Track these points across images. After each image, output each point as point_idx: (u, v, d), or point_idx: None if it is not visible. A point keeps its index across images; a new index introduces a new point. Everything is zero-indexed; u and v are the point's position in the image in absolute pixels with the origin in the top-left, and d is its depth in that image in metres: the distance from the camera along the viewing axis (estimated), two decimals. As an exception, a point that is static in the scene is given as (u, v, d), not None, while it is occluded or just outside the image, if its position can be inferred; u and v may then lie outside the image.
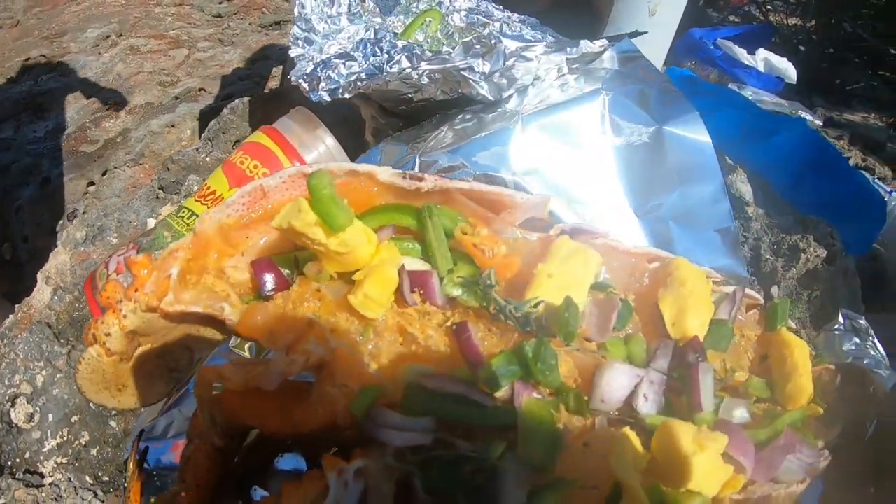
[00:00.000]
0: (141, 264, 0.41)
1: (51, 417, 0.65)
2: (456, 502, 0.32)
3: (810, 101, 1.44)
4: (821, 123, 1.32)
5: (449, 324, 0.39)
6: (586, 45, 0.64)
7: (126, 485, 0.53)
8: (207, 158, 0.88)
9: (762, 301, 0.56)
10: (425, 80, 0.61)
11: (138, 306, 0.40)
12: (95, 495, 0.62)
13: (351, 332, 0.38)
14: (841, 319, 0.64)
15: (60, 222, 0.93)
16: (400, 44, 0.62)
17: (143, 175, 1.00)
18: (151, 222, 0.79)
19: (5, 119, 1.30)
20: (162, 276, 0.40)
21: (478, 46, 0.60)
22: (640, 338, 0.45)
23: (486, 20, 0.82)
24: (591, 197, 0.63)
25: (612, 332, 0.43)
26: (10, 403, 0.65)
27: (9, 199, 1.10)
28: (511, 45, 0.60)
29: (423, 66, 0.60)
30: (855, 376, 0.56)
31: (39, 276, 0.75)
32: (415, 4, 0.83)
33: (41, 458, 0.63)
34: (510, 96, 0.65)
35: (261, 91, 1.23)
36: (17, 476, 0.62)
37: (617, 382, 0.40)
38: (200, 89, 1.32)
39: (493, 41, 0.60)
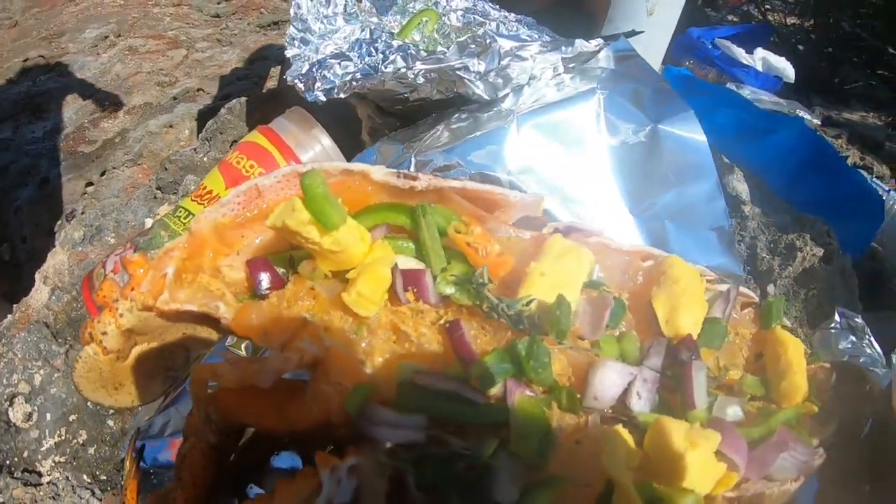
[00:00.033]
0: (137, 263, 0.41)
1: (49, 417, 0.65)
2: (449, 499, 0.33)
3: (809, 101, 1.44)
4: (819, 122, 1.32)
5: (442, 322, 0.39)
6: (582, 45, 0.64)
7: (123, 483, 0.53)
8: (205, 158, 0.88)
9: (757, 299, 0.57)
10: (421, 80, 0.61)
11: (134, 305, 0.40)
12: (93, 493, 0.62)
13: (345, 330, 0.38)
14: (837, 318, 0.64)
15: (59, 223, 0.94)
16: (395, 44, 0.63)
17: (141, 175, 1.00)
18: (149, 222, 0.80)
19: (4, 120, 1.30)
20: (158, 275, 0.40)
21: (473, 46, 0.60)
22: (633, 336, 0.45)
23: (482, 20, 0.83)
24: (586, 196, 0.63)
25: (605, 331, 0.43)
26: (8, 403, 0.66)
27: (7, 199, 1.10)
28: (506, 44, 0.60)
29: (419, 65, 0.60)
30: (851, 375, 0.56)
31: (37, 276, 0.75)
32: (411, 4, 0.83)
33: (39, 456, 0.63)
34: (506, 95, 0.65)
35: (259, 91, 1.23)
36: (15, 475, 0.62)
37: (610, 380, 0.40)
38: (199, 89, 1.32)
39: (487, 41, 0.60)
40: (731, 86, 1.27)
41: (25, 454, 0.63)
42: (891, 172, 1.23)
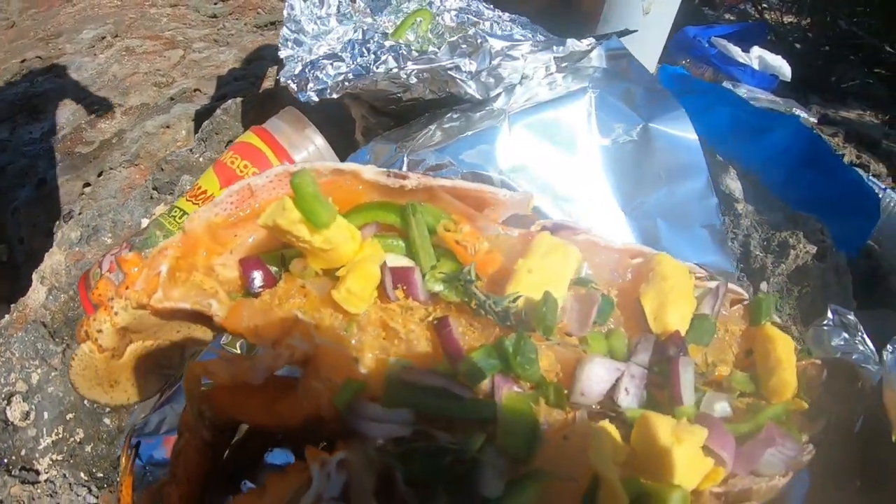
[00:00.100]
0: (132, 262, 0.42)
1: (46, 415, 0.66)
2: (436, 493, 0.33)
3: (805, 99, 1.45)
4: (815, 121, 1.32)
5: (431, 319, 0.39)
6: (573, 44, 0.64)
7: (119, 479, 0.54)
8: (201, 159, 0.89)
9: (747, 296, 0.57)
10: (414, 80, 0.62)
11: (129, 303, 0.41)
12: (90, 491, 0.63)
13: (335, 327, 0.38)
14: (830, 315, 0.64)
15: (57, 223, 0.94)
16: (387, 44, 0.63)
17: (138, 176, 1.01)
18: (145, 222, 0.80)
19: (1, 121, 1.31)
20: (152, 274, 0.41)
21: (464, 46, 0.60)
22: (621, 332, 0.45)
23: (476, 20, 0.83)
24: (578, 194, 0.64)
25: (593, 327, 0.44)
26: (5, 401, 0.66)
27: (5, 200, 1.11)
28: (497, 44, 0.61)
29: (410, 65, 0.60)
30: (843, 371, 0.57)
31: (35, 275, 0.75)
32: (405, 4, 0.83)
33: (37, 455, 0.64)
34: (498, 95, 0.65)
35: (256, 91, 1.24)
36: (12, 473, 0.63)
37: (597, 376, 0.40)
38: (196, 90, 1.32)
39: (479, 40, 0.60)
40: (727, 84, 1.27)
41: (23, 452, 0.64)
42: (887, 171, 1.24)
